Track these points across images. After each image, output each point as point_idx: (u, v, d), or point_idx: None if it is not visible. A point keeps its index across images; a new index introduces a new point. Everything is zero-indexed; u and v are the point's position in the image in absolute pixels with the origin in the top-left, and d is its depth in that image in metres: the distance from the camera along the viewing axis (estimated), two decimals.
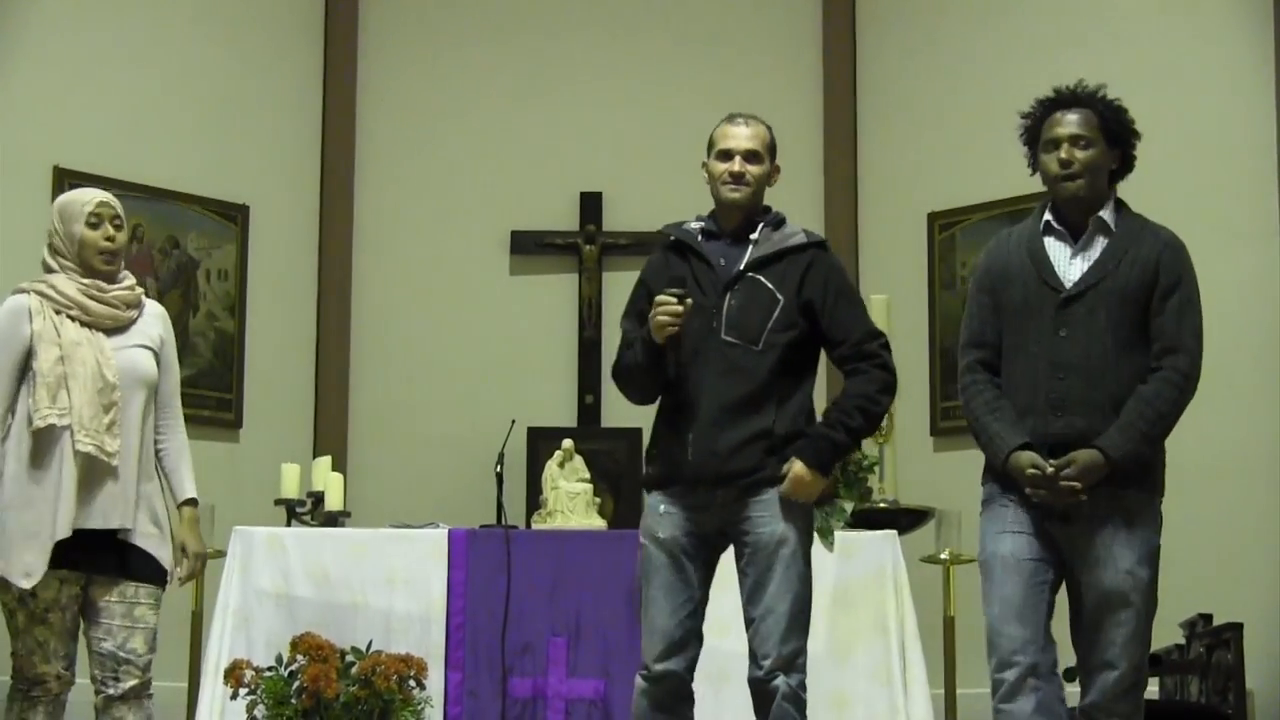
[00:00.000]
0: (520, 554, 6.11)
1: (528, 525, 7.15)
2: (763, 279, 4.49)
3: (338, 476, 6.77)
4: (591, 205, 8.67)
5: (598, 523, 6.71)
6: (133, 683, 4.56)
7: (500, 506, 6.41)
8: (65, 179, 7.45)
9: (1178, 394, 4.20)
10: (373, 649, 5.79)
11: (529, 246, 8.67)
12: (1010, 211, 7.50)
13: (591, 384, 8.38)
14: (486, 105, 8.78)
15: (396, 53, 8.81)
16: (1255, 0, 7.50)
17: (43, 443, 4.50)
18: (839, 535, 6.06)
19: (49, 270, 4.67)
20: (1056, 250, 4.33)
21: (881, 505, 6.35)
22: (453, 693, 6.03)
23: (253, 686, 5.68)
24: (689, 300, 4.41)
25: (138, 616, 4.57)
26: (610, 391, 6.79)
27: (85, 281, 4.64)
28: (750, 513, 4.42)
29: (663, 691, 4.45)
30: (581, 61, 8.81)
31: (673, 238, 4.62)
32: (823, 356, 4.62)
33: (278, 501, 6.71)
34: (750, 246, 4.53)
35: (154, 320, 4.75)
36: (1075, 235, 4.32)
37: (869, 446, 6.48)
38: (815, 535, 5.96)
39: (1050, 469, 4.16)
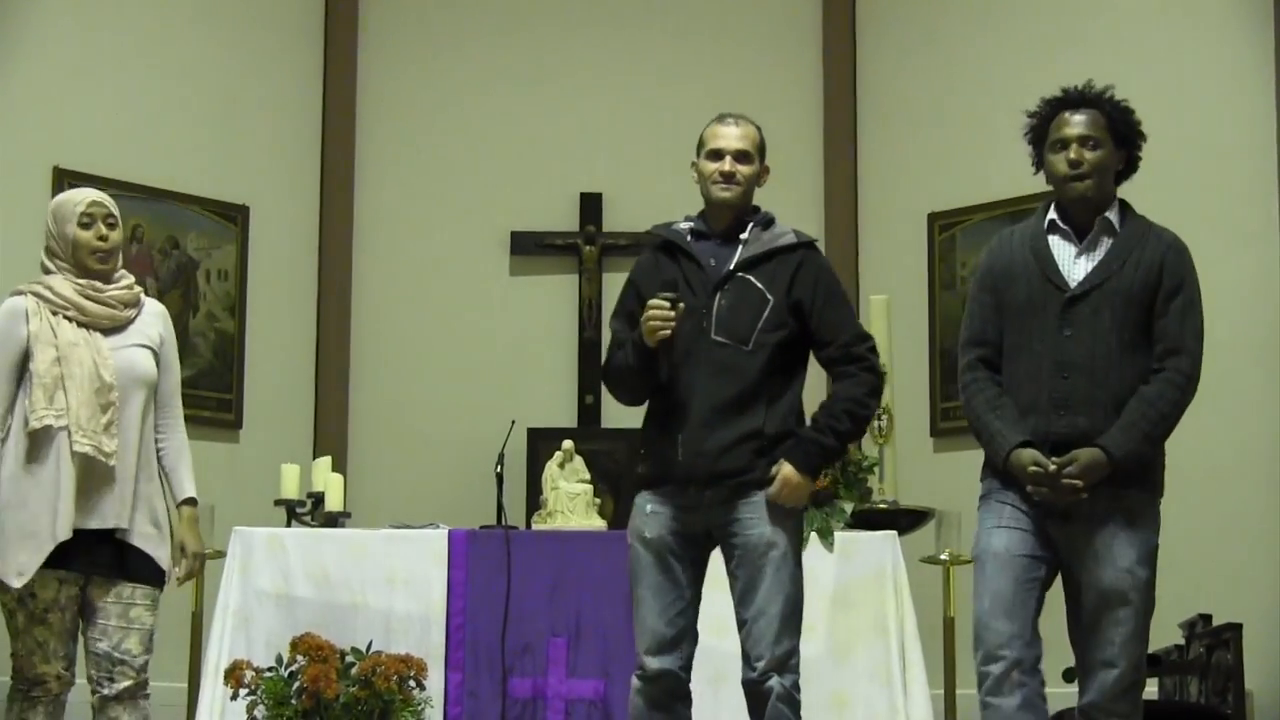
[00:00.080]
0: (520, 554, 6.11)
1: (528, 526, 7.15)
2: (752, 279, 4.49)
3: (338, 477, 6.76)
4: (591, 206, 8.67)
5: (598, 523, 6.71)
6: (127, 683, 4.56)
7: (500, 507, 6.42)
8: (65, 179, 7.44)
9: (1179, 395, 4.22)
10: (373, 649, 5.79)
11: (529, 247, 8.67)
12: (1011, 212, 7.49)
13: (591, 384, 8.38)
14: (486, 105, 8.78)
15: (396, 53, 8.81)
16: (1255, 0, 7.49)
17: (40, 443, 4.50)
18: (839, 536, 6.07)
19: (46, 272, 4.68)
20: (1061, 249, 4.34)
21: (881, 506, 6.35)
22: (453, 693, 6.03)
23: (253, 687, 5.68)
24: (681, 305, 4.41)
25: (133, 617, 4.57)
26: None
27: (81, 282, 4.64)
28: (739, 515, 4.42)
29: (659, 690, 4.45)
30: (581, 62, 8.81)
31: (662, 238, 4.62)
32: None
33: (278, 502, 6.71)
34: (740, 246, 4.53)
35: (153, 319, 4.75)
36: (1080, 235, 4.34)
37: (869, 447, 6.49)
38: (815, 535, 6.04)
39: (1052, 467, 4.17)
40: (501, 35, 8.83)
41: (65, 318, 4.60)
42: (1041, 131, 4.40)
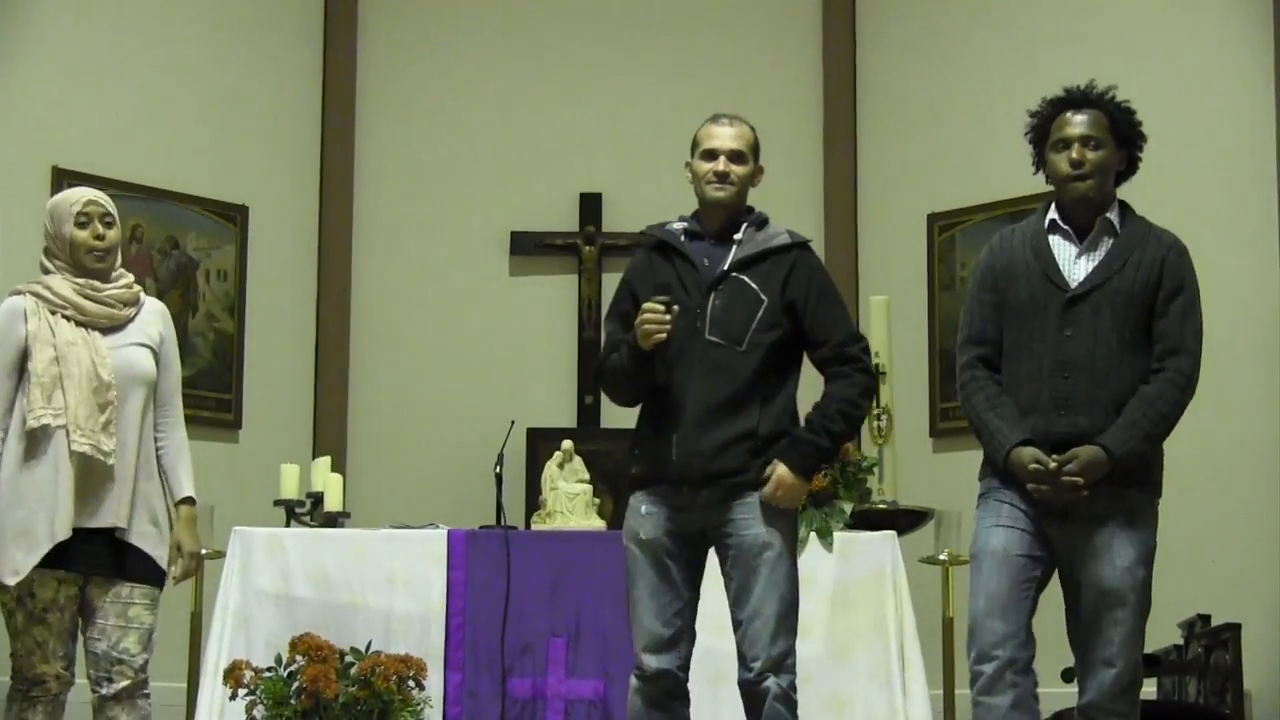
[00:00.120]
0: (520, 555, 6.11)
1: (527, 526, 7.15)
2: (747, 279, 4.49)
3: (337, 477, 6.76)
4: (591, 206, 8.67)
5: (597, 523, 6.71)
6: (125, 683, 4.56)
7: (500, 507, 6.41)
8: (64, 179, 7.43)
9: (1179, 395, 4.24)
10: (372, 649, 5.79)
11: (529, 247, 8.67)
12: (1010, 212, 7.49)
13: (591, 385, 8.36)
14: (486, 105, 8.77)
15: (396, 53, 8.81)
16: (1255, 0, 7.50)
17: (38, 443, 4.51)
18: (838, 536, 6.07)
19: (46, 272, 4.69)
20: (1061, 249, 4.35)
21: (881, 506, 6.35)
22: (452, 693, 6.03)
23: (252, 687, 5.68)
24: (676, 308, 4.40)
25: (131, 617, 4.58)
26: None
27: (80, 281, 4.64)
28: (733, 516, 4.42)
29: (657, 690, 4.46)
30: (581, 62, 8.81)
31: (656, 238, 4.62)
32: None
33: (277, 502, 6.70)
34: (734, 247, 4.53)
35: (153, 318, 4.75)
36: (1081, 235, 4.35)
37: (868, 447, 6.49)
38: (814, 535, 6.03)
39: (1053, 464, 4.17)
40: (501, 35, 8.83)
41: (64, 317, 4.61)
42: (1043, 131, 4.41)
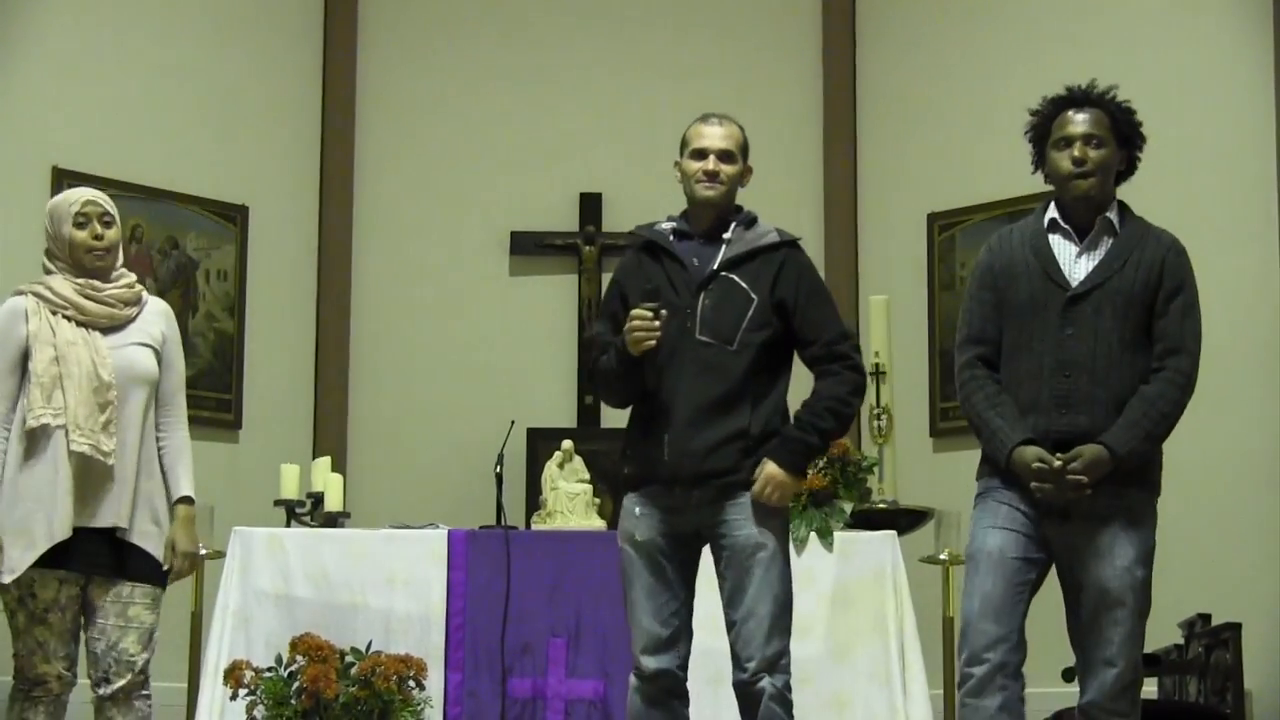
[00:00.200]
0: (520, 555, 6.11)
1: (527, 526, 7.15)
2: (736, 278, 4.48)
3: (337, 477, 6.76)
4: (591, 206, 8.67)
5: (597, 523, 6.71)
6: (123, 683, 4.56)
7: (500, 507, 6.41)
8: (64, 179, 7.44)
9: (1180, 394, 4.25)
10: (372, 650, 5.79)
11: (529, 247, 8.67)
12: (1010, 212, 7.48)
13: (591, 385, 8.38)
14: (486, 105, 8.77)
15: (396, 53, 8.80)
16: (1255, 0, 7.50)
17: (38, 442, 4.51)
18: (838, 536, 6.07)
19: (47, 272, 4.70)
20: (1062, 248, 4.35)
21: (881, 506, 6.35)
22: (452, 693, 6.03)
23: (252, 687, 5.68)
24: (664, 313, 4.40)
25: (131, 616, 4.58)
26: None
27: (80, 281, 4.65)
28: (726, 516, 4.42)
29: (656, 689, 4.46)
30: (581, 62, 8.81)
31: (645, 238, 4.62)
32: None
33: (277, 502, 6.70)
34: (723, 246, 4.53)
35: (155, 317, 4.75)
36: (1081, 234, 4.35)
37: (868, 447, 6.49)
38: (814, 535, 6.04)
39: (1057, 463, 4.18)
40: (501, 35, 8.83)
41: (65, 317, 4.61)
42: (1044, 130, 4.41)
